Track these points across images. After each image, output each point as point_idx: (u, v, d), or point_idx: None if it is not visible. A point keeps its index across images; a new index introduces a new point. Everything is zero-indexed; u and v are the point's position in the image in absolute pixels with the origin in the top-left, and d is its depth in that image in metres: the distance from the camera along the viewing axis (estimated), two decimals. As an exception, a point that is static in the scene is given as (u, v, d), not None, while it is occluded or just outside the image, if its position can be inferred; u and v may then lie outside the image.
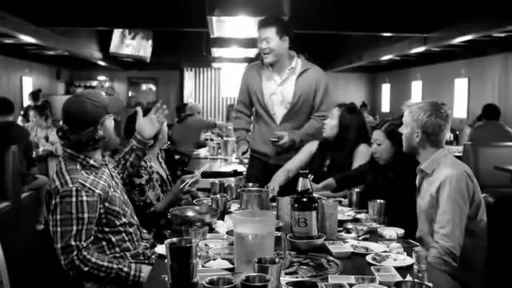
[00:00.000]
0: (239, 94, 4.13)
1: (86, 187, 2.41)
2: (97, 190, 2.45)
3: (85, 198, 2.38)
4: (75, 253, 2.33)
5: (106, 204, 2.50)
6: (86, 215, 2.37)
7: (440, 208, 2.59)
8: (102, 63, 12.79)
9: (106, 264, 2.38)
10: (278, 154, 3.89)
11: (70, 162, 2.50)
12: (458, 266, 2.51)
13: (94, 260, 2.35)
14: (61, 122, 2.61)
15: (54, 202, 2.38)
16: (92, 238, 2.42)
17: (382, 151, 3.23)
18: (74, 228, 2.33)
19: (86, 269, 2.34)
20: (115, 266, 2.41)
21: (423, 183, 2.78)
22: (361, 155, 3.61)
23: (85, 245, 2.36)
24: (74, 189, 2.38)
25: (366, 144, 3.63)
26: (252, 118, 4.17)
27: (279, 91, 3.86)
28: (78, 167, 2.48)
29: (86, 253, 2.35)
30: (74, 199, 2.36)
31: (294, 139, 3.81)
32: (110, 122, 2.58)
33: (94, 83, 15.24)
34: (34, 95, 10.04)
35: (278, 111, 3.89)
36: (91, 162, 2.53)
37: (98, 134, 2.51)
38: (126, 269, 2.43)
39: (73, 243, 2.32)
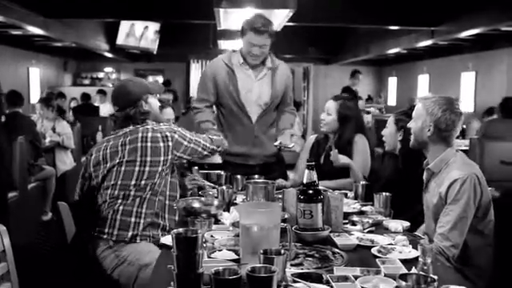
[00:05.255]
0: (201, 91, 3.76)
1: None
2: None
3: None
4: None
5: None
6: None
7: (444, 208, 2.57)
8: (109, 55, 12.80)
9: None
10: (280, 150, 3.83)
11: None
12: (463, 265, 2.50)
13: None
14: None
15: (171, 138, 2.75)
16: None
17: (386, 135, 3.36)
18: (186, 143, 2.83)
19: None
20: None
21: (431, 181, 2.74)
22: (359, 146, 3.65)
23: None
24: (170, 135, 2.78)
25: (362, 134, 3.71)
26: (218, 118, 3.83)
27: (256, 89, 3.69)
28: None
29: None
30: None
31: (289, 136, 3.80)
32: (154, 100, 2.88)
33: (101, 75, 15.20)
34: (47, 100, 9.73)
35: (253, 109, 3.71)
36: None
37: (143, 108, 2.81)
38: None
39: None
